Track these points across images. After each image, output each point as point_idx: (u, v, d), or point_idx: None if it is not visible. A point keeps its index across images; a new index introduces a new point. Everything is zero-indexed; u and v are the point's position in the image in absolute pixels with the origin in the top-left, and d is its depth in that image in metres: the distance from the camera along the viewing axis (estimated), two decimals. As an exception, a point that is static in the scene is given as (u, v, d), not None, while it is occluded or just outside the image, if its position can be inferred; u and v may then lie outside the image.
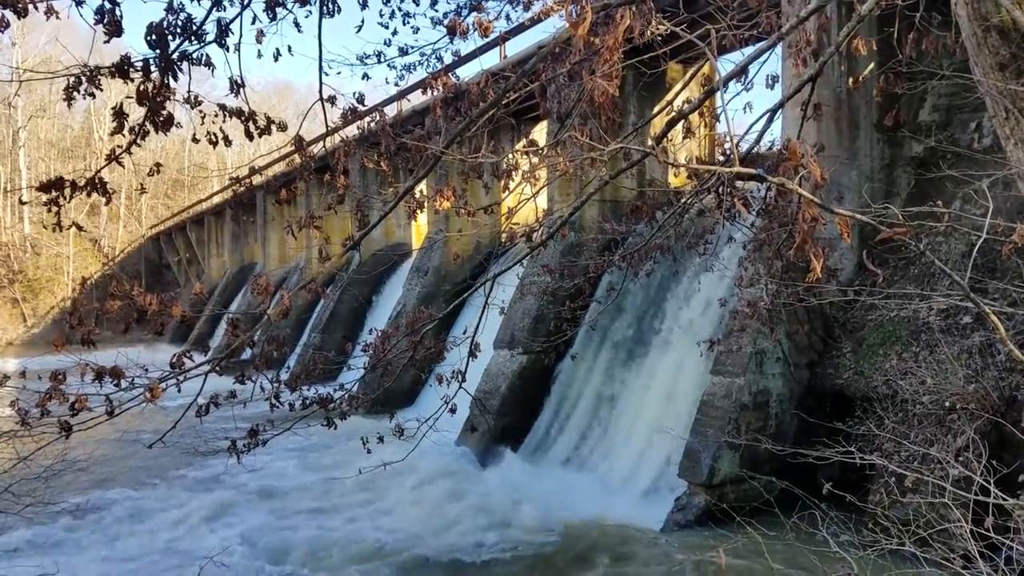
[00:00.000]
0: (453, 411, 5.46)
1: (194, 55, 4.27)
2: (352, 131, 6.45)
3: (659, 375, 11.30)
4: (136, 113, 4.28)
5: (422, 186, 6.87)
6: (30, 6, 4.04)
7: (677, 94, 5.87)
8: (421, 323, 5.52)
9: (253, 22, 4.60)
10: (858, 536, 5.11)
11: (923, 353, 7.98)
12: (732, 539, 5.31)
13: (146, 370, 4.09)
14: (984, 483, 4.20)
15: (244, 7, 4.39)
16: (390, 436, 5.70)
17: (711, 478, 8.49)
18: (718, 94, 4.03)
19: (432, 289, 17.93)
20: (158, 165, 5.52)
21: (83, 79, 4.11)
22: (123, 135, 4.29)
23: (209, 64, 4.43)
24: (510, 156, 6.29)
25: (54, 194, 4.21)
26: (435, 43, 6.47)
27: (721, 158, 7.92)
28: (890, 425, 7.25)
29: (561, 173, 5.35)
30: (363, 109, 5.53)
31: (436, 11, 7.48)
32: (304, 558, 8.24)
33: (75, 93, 4.15)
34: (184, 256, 46.67)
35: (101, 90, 4.19)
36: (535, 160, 5.91)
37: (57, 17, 4.27)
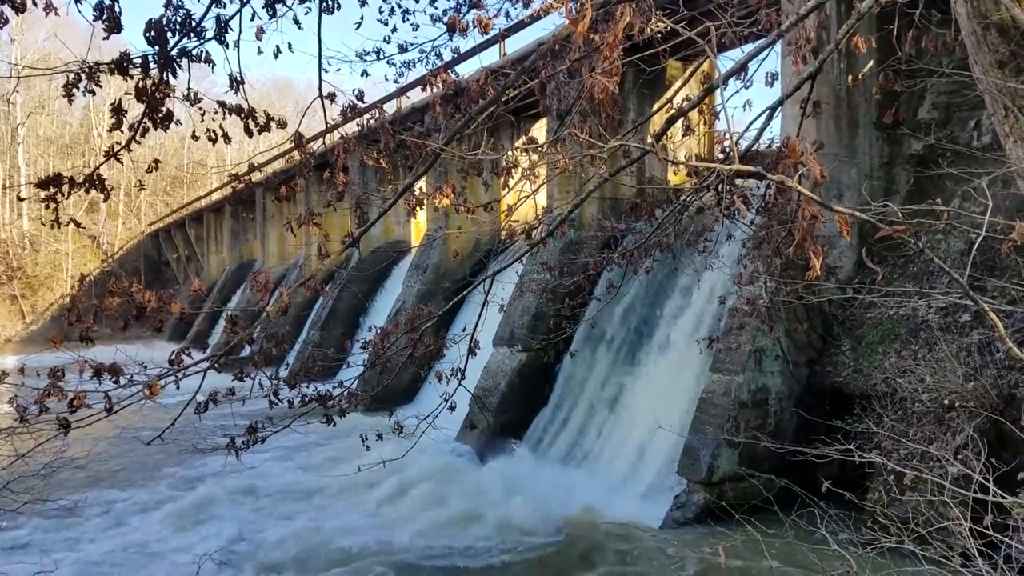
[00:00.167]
0: (452, 408, 5.46)
1: (193, 52, 4.26)
2: (352, 128, 6.45)
3: (658, 373, 11.31)
4: (135, 110, 4.27)
5: (421, 183, 6.86)
6: (29, 2, 4.03)
7: (677, 91, 5.86)
8: (420, 320, 5.51)
9: (252, 19, 4.60)
10: (857, 534, 5.12)
11: (922, 351, 7.99)
12: (731, 537, 5.32)
13: (145, 367, 4.09)
14: (983, 481, 4.21)
15: (243, 4, 4.38)
16: (389, 433, 5.70)
17: (710, 476, 8.50)
18: (718, 91, 4.03)
19: (431, 286, 17.93)
20: (157, 162, 5.51)
21: (83, 76, 4.10)
22: (122, 132, 4.28)
23: (209, 61, 4.42)
24: (510, 153, 6.29)
25: (52, 191, 4.21)
26: (435, 40, 6.46)
27: (720, 156, 7.93)
28: (889, 423, 7.25)
29: (561, 170, 5.35)
30: (363, 106, 5.52)
31: (435, 8, 7.48)
32: (299, 557, 8.22)
33: (75, 90, 4.14)
34: (183, 253, 46.63)
35: (100, 87, 4.18)
36: (535, 157, 5.90)
37: (56, 13, 4.27)
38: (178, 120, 4.45)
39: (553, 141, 5.48)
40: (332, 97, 5.23)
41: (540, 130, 17.94)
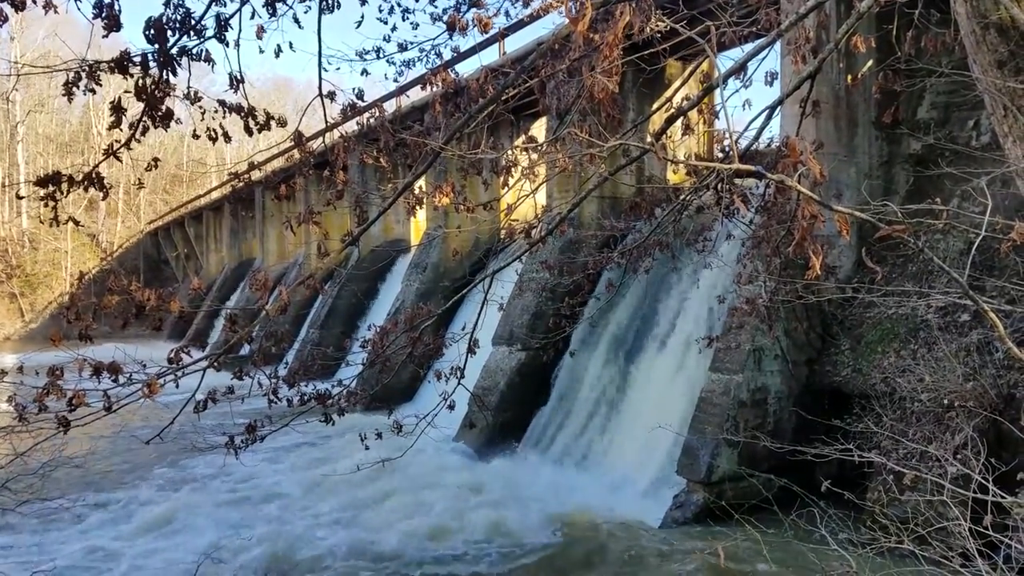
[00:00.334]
0: (452, 408, 5.46)
1: (193, 50, 4.26)
2: (351, 127, 6.44)
3: (658, 372, 11.31)
4: (135, 108, 4.27)
5: (421, 182, 6.86)
6: (28, 0, 4.02)
7: (676, 91, 5.86)
8: (420, 319, 5.52)
9: (252, 17, 4.59)
10: (857, 534, 5.12)
11: (921, 351, 7.99)
12: (731, 537, 5.33)
13: (144, 366, 4.09)
14: (983, 481, 4.21)
15: (244, 3, 4.38)
16: (388, 432, 5.70)
17: (709, 475, 8.50)
18: (717, 91, 4.03)
19: (431, 285, 17.92)
20: (156, 160, 5.51)
21: (82, 74, 4.10)
22: (121, 130, 4.28)
23: (208, 60, 4.42)
24: (509, 152, 6.28)
25: (51, 189, 4.20)
26: (434, 39, 6.46)
27: (720, 155, 7.93)
28: (888, 423, 7.26)
29: (560, 169, 5.35)
30: (362, 105, 5.52)
31: (435, 7, 7.48)
32: (296, 558, 8.21)
33: (75, 88, 4.14)
34: (182, 251, 46.61)
35: (100, 85, 4.18)
36: (534, 156, 5.90)
37: (55, 11, 4.26)
38: (178, 119, 4.45)
39: (553, 140, 5.48)
40: (332, 96, 5.23)
41: (540, 129, 17.93)
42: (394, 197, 5.16)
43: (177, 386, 4.20)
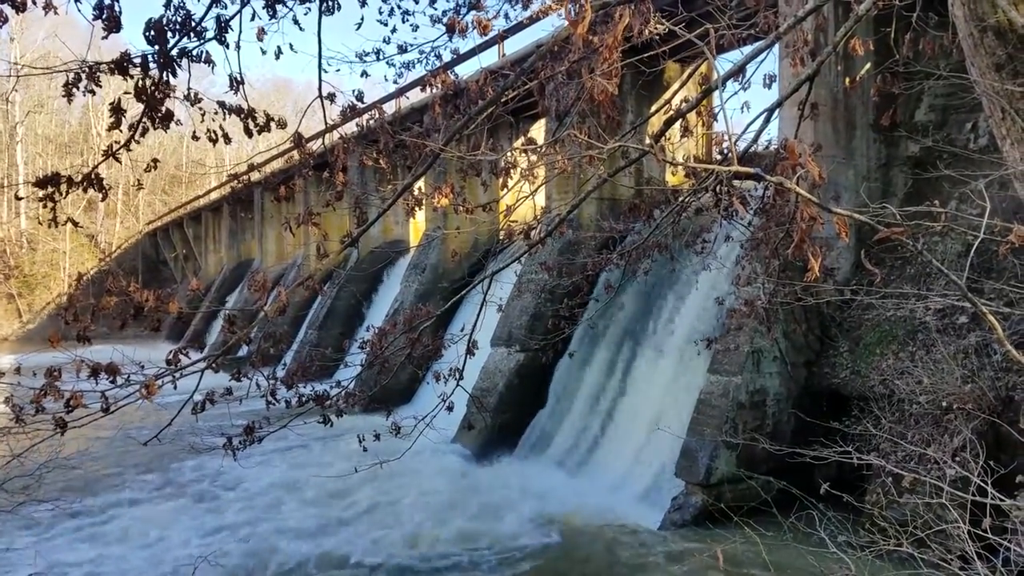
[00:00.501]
0: (450, 409, 5.45)
1: (193, 52, 4.26)
2: (351, 128, 6.44)
3: (656, 373, 11.31)
4: (134, 109, 4.26)
5: (420, 183, 6.86)
6: (29, 1, 4.02)
7: (675, 93, 5.86)
8: (419, 320, 5.51)
9: (253, 19, 4.60)
10: (855, 536, 5.12)
11: (920, 353, 8.00)
12: (729, 539, 5.32)
13: (142, 367, 4.08)
14: (981, 484, 4.21)
15: (244, 4, 4.38)
16: (387, 434, 5.69)
17: (708, 477, 8.50)
18: (716, 93, 4.04)
19: (430, 286, 17.92)
20: (155, 161, 5.51)
21: (82, 75, 4.10)
22: (121, 131, 4.28)
23: (208, 61, 4.42)
24: (508, 154, 6.29)
25: (50, 190, 4.20)
26: (434, 41, 6.46)
27: (718, 157, 7.94)
28: (887, 425, 7.26)
29: (560, 171, 5.35)
30: (362, 106, 5.52)
31: (435, 9, 7.50)
32: (289, 563, 8.19)
33: (74, 89, 4.14)
34: (181, 252, 46.58)
35: (100, 86, 4.18)
36: (533, 158, 5.90)
37: (55, 12, 4.26)
38: (178, 120, 4.45)
39: (552, 142, 5.48)
40: (332, 97, 5.23)
41: (539, 131, 17.94)
42: (394, 198, 5.16)
43: (175, 387, 4.19)
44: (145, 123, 4.25)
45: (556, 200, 14.07)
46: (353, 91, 5.47)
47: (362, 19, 6.42)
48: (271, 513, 9.81)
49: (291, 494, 10.57)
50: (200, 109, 4.79)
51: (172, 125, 4.34)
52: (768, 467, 8.26)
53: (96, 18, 3.97)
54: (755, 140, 4.54)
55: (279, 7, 4.56)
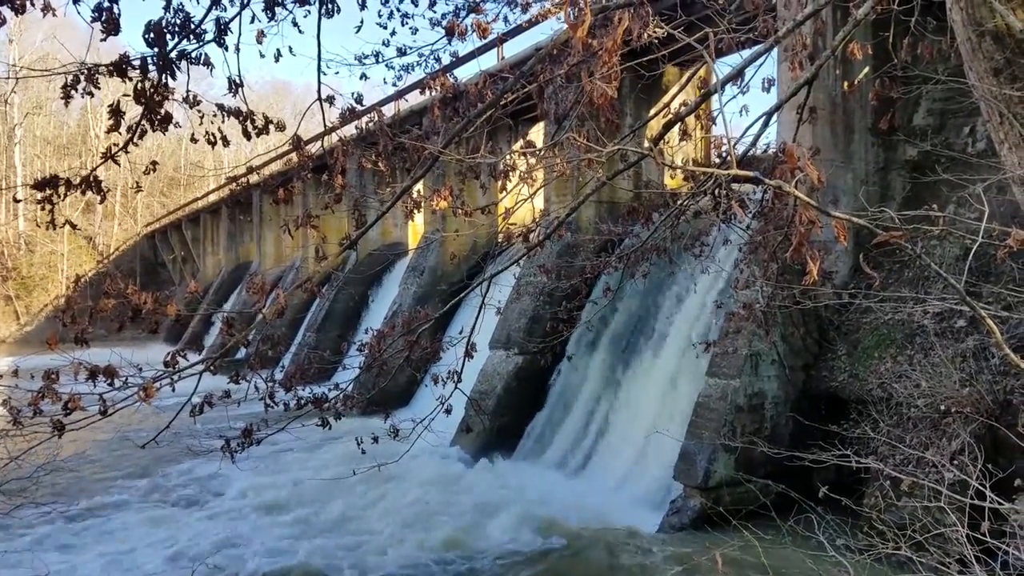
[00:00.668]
0: (449, 412, 5.45)
1: (193, 54, 4.25)
2: (350, 131, 6.44)
3: (655, 376, 11.31)
4: (133, 111, 4.26)
5: (419, 186, 6.87)
6: (27, 3, 4.02)
7: (674, 97, 5.87)
8: (417, 323, 5.51)
9: (252, 22, 4.60)
10: (854, 540, 5.12)
11: (918, 356, 8.00)
12: (728, 542, 5.31)
13: (140, 369, 4.07)
14: (980, 487, 4.21)
15: (243, 7, 4.38)
16: (385, 436, 5.68)
17: (706, 481, 8.49)
18: (715, 96, 4.04)
19: (428, 289, 17.92)
20: (154, 163, 5.50)
21: (81, 77, 4.09)
22: (120, 133, 4.27)
23: (208, 63, 4.42)
24: (507, 157, 6.29)
25: (49, 192, 4.19)
26: (433, 44, 6.48)
27: (717, 160, 7.95)
28: (885, 428, 7.26)
29: (558, 174, 5.35)
30: (361, 109, 5.52)
31: (434, 12, 7.50)
32: (285, 569, 8.18)
33: (73, 91, 4.13)
34: (179, 254, 46.53)
35: (99, 88, 4.17)
36: (532, 161, 5.91)
37: (54, 14, 4.26)
38: (176, 122, 4.45)
39: (551, 145, 5.49)
40: (331, 100, 5.23)
41: (538, 134, 17.97)
42: (393, 201, 5.16)
43: (173, 390, 4.18)
44: (144, 125, 4.25)
45: (555, 203, 14.08)
46: (352, 94, 5.47)
47: (362, 22, 6.42)
48: (266, 517, 9.78)
49: (290, 495, 10.55)
50: (199, 111, 4.79)
51: (171, 127, 4.34)
52: (766, 470, 8.26)
53: (95, 20, 3.96)
54: (754, 144, 4.55)
55: (278, 10, 4.56)
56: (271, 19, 4.53)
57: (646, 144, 3.97)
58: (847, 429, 7.34)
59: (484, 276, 5.40)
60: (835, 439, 6.73)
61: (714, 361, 9.21)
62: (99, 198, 4.62)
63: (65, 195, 4.28)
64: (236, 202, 34.39)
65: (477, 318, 5.39)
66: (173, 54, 4.08)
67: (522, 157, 6.07)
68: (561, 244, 13.38)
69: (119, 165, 4.60)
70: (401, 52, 6.91)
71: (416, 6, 7.03)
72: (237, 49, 4.55)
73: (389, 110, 19.28)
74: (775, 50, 5.76)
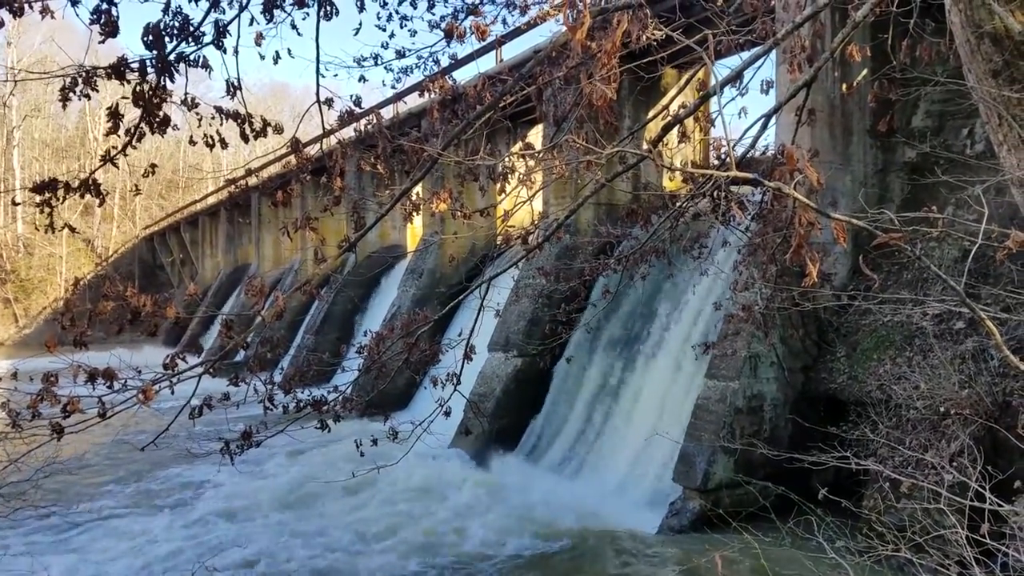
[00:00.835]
0: (448, 414, 5.44)
1: (191, 57, 4.25)
2: (349, 133, 6.44)
3: (654, 378, 11.31)
4: (132, 114, 4.26)
5: (418, 188, 6.87)
6: (25, 6, 4.02)
7: (673, 99, 5.87)
8: (416, 325, 5.51)
9: (251, 24, 4.60)
10: (853, 542, 5.12)
11: (917, 358, 8.00)
12: (727, 544, 5.31)
13: (139, 372, 4.07)
14: (979, 489, 4.21)
15: (242, 9, 4.38)
16: (384, 439, 5.68)
17: (706, 482, 8.49)
18: (714, 99, 4.04)
19: (427, 291, 17.91)
20: (153, 166, 5.49)
21: (79, 80, 4.09)
22: (118, 136, 4.27)
23: (206, 66, 4.42)
24: (506, 159, 6.29)
25: (47, 195, 4.19)
26: (432, 46, 6.49)
27: (716, 162, 7.95)
28: (884, 430, 7.26)
29: (557, 176, 5.35)
30: (360, 111, 5.53)
31: (433, 14, 7.48)
32: (291, 570, 8.16)
33: (71, 94, 4.13)
34: (178, 257, 46.50)
35: (97, 91, 4.17)
36: (531, 163, 5.91)
37: (52, 17, 4.25)
38: (175, 125, 4.44)
39: (550, 147, 5.49)
40: (329, 102, 5.23)
41: (536, 136, 17.98)
42: (392, 203, 5.16)
43: (172, 392, 4.17)
44: (142, 128, 4.25)
45: (554, 205, 14.08)
46: (351, 96, 5.47)
47: (360, 24, 6.42)
48: (266, 518, 9.77)
49: (289, 497, 10.54)
50: (197, 114, 4.79)
51: (169, 130, 4.33)
52: (766, 472, 8.25)
53: (93, 22, 3.96)
54: (752, 145, 4.55)
55: (277, 12, 4.56)
56: (269, 21, 4.54)
57: (645, 146, 3.97)
58: (846, 431, 7.34)
59: (483, 278, 5.40)
60: (834, 441, 6.73)
61: (713, 363, 9.21)
62: (98, 201, 4.62)
63: (64, 198, 4.28)
64: (235, 204, 34.38)
65: (476, 320, 5.38)
66: (172, 56, 4.08)
67: (521, 159, 6.07)
68: (560, 246, 13.38)
69: (118, 168, 4.60)
70: (400, 54, 6.91)
71: (415, 8, 7.04)
72: (236, 51, 4.55)
73: (388, 112, 19.28)
74: (774, 52, 5.76)
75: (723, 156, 5.15)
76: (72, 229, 5.63)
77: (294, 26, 5.11)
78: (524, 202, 5.61)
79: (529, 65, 5.39)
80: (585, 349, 12.78)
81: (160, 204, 53.23)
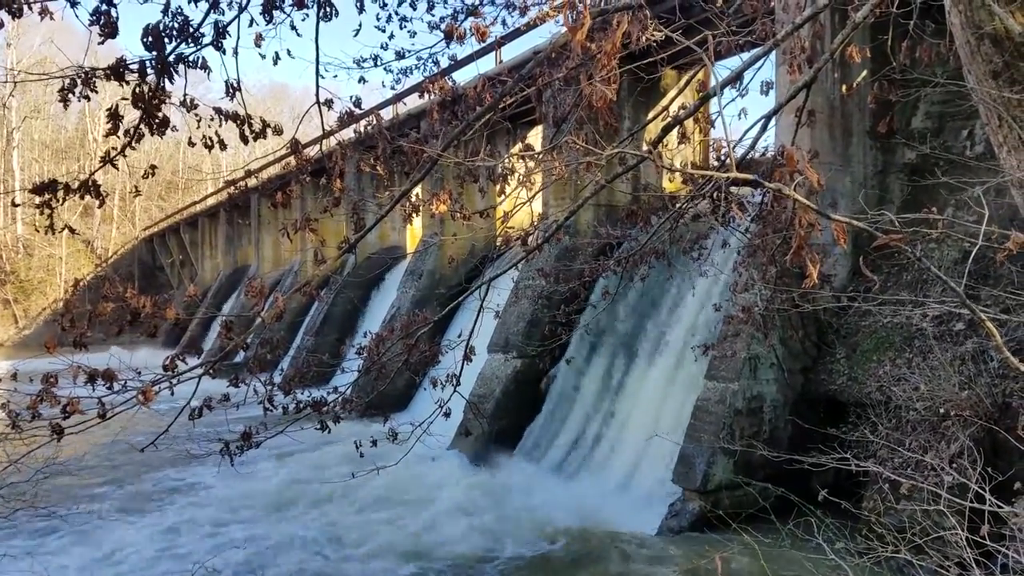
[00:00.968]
0: (447, 415, 5.44)
1: (190, 58, 4.25)
2: (348, 134, 6.44)
3: (654, 380, 11.30)
4: (131, 115, 4.26)
5: (418, 189, 6.87)
6: (25, 7, 4.02)
7: (673, 100, 5.87)
8: (416, 326, 5.50)
9: (250, 25, 4.59)
10: (853, 543, 5.11)
11: (916, 359, 8.00)
12: (727, 546, 5.31)
13: (139, 373, 4.06)
14: (979, 490, 4.21)
15: (241, 10, 4.38)
16: (383, 440, 5.67)
17: (705, 484, 8.48)
18: (713, 100, 4.04)
19: (427, 292, 17.91)
20: (153, 167, 5.49)
21: (78, 81, 4.09)
22: (118, 137, 4.27)
23: (205, 67, 4.41)
24: (506, 160, 6.29)
25: (47, 196, 4.19)
26: (432, 47, 6.49)
27: (715, 163, 7.95)
28: (884, 431, 7.26)
29: (557, 177, 5.35)
30: (359, 112, 5.52)
31: (433, 15, 7.48)
32: (291, 571, 8.15)
33: (70, 95, 4.13)
34: (177, 258, 46.50)
35: (96, 92, 4.17)
36: (531, 164, 5.90)
37: (52, 18, 4.25)
38: (174, 126, 4.44)
39: (550, 148, 5.49)
40: (329, 103, 5.23)
41: (536, 137, 17.98)
42: (391, 204, 5.16)
43: (172, 393, 4.17)
44: (142, 129, 4.24)
45: (553, 206, 14.08)
46: (351, 97, 5.47)
47: (360, 25, 6.41)
48: (265, 519, 9.76)
49: (288, 499, 10.53)
50: (196, 115, 4.78)
51: (168, 131, 4.33)
52: (765, 473, 8.25)
53: (93, 24, 3.96)
54: (752, 147, 4.55)
55: (276, 13, 4.55)
56: (269, 23, 4.53)
57: (645, 147, 3.97)
58: (846, 432, 7.33)
59: (483, 279, 5.40)
60: (834, 442, 6.73)
61: (713, 364, 9.21)
62: (97, 202, 4.62)
63: (64, 199, 4.27)
64: (234, 206, 34.39)
65: (476, 321, 5.38)
66: (171, 58, 4.08)
67: (520, 160, 6.07)
68: (559, 247, 13.38)
69: (117, 169, 4.60)
70: (399, 55, 6.91)
71: (414, 10, 7.04)
72: (235, 53, 4.55)
73: (387, 114, 19.29)
74: (773, 53, 5.77)
75: (723, 157, 5.15)
76: (72, 230, 5.62)
77: (294, 27, 5.10)
78: (524, 203, 5.61)
79: (529, 66, 5.39)
80: (585, 350, 12.78)
81: (160, 205, 53.24)
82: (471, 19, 5.57)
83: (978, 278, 7.93)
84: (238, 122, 4.72)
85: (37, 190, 4.15)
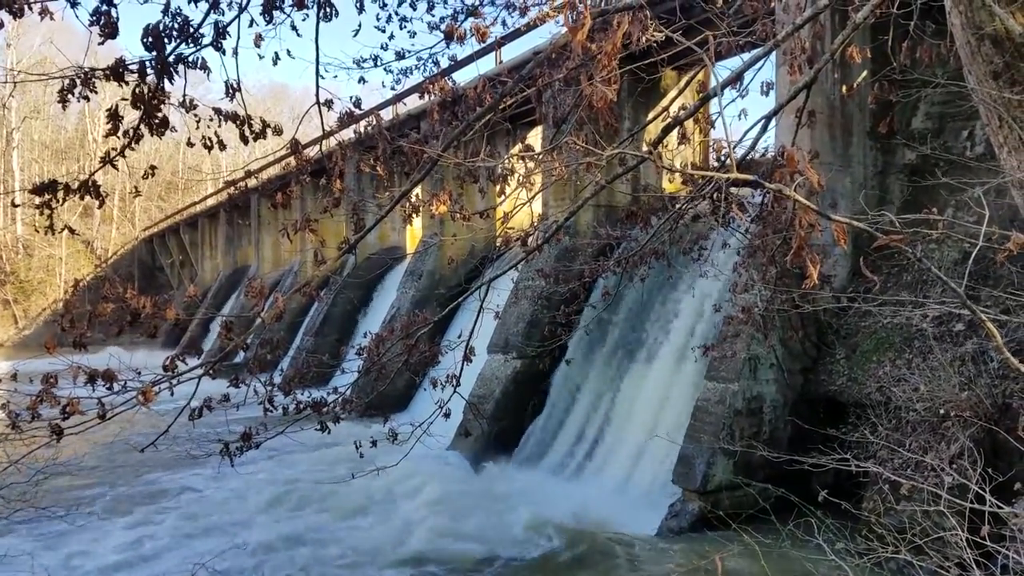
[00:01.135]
0: (447, 416, 5.43)
1: (190, 58, 4.25)
2: (348, 135, 6.44)
3: (653, 380, 11.30)
4: (131, 115, 4.25)
5: (418, 190, 6.86)
6: (25, 7, 4.01)
7: (673, 100, 5.87)
8: (416, 327, 5.50)
9: (250, 25, 4.59)
10: (853, 543, 5.11)
11: (916, 360, 8.00)
12: (727, 546, 5.30)
13: (139, 373, 4.06)
14: (979, 491, 4.21)
15: (241, 10, 4.38)
16: (383, 441, 5.67)
17: (705, 484, 8.48)
18: (714, 100, 4.04)
19: (426, 293, 17.91)
20: (152, 168, 5.49)
21: (78, 81, 4.09)
22: (117, 137, 4.27)
23: (205, 67, 4.41)
24: (506, 160, 6.29)
25: (47, 197, 4.19)
26: (432, 47, 6.49)
27: (715, 164, 7.95)
28: (884, 432, 7.26)
29: (557, 178, 5.35)
30: (359, 112, 5.52)
31: (433, 16, 7.48)
32: (286, 570, 8.15)
33: (70, 95, 4.13)
34: (177, 258, 46.51)
35: (96, 92, 4.17)
36: (531, 165, 5.90)
37: (51, 18, 4.25)
38: (174, 127, 4.44)
39: (550, 149, 5.49)
40: (329, 104, 5.23)
41: (536, 138, 17.98)
42: (391, 205, 5.16)
43: (172, 394, 4.16)
44: (141, 130, 4.24)
45: (553, 207, 14.08)
46: (351, 97, 5.47)
47: (360, 26, 6.41)
48: (265, 519, 9.76)
49: (286, 499, 10.52)
50: (195, 116, 4.78)
51: (168, 132, 4.33)
52: (765, 474, 8.25)
53: (93, 24, 3.96)
54: (752, 147, 4.55)
55: (276, 13, 4.55)
56: (269, 23, 4.53)
57: (645, 148, 3.97)
58: (846, 433, 7.33)
59: (483, 280, 5.39)
60: (834, 443, 6.72)
61: (712, 365, 9.20)
62: (97, 202, 4.61)
63: (63, 200, 4.27)
64: (234, 206, 34.40)
65: (475, 322, 5.38)
66: (171, 58, 4.08)
67: (520, 161, 6.07)
68: (559, 248, 13.37)
69: (117, 169, 4.59)
70: (399, 56, 6.92)
71: (414, 10, 7.04)
72: (235, 53, 4.55)
73: (387, 114, 19.29)
74: (774, 54, 5.77)
75: (723, 158, 5.15)
76: (72, 231, 5.62)
77: (294, 27, 5.10)
78: (524, 204, 5.60)
79: (529, 67, 5.39)
80: (584, 351, 12.77)
81: (159, 206, 53.24)
82: (471, 19, 5.57)
83: (978, 279, 7.93)
84: (238, 122, 4.72)
85: (37, 190, 4.15)
